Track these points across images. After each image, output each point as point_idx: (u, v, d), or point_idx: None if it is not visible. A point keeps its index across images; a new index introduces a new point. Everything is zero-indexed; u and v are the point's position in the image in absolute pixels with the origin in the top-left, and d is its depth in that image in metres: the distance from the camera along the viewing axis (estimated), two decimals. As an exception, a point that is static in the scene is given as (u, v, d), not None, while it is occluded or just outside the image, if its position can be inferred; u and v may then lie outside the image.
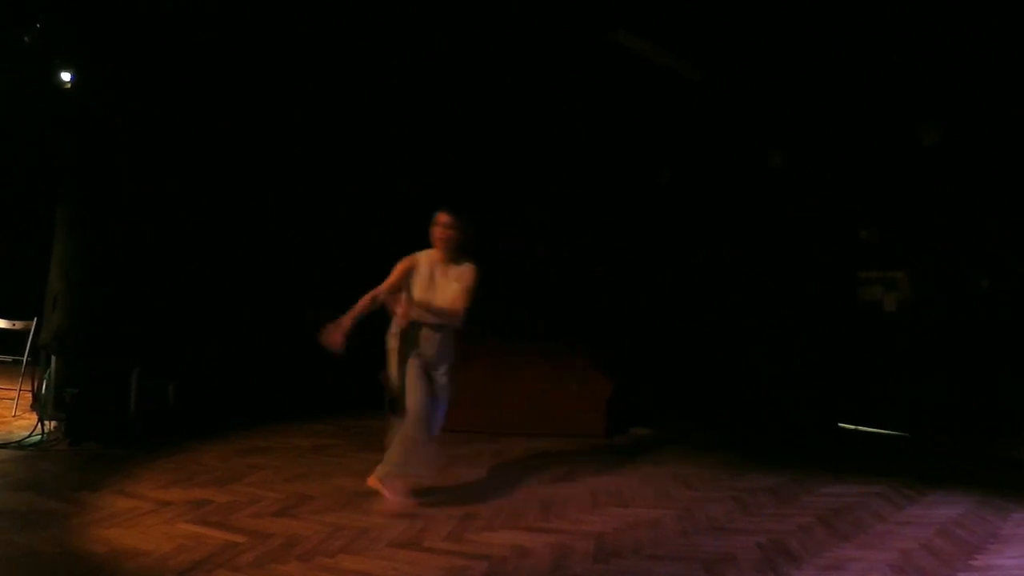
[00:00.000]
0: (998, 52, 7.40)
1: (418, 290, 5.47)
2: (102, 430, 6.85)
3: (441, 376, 5.62)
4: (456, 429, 8.03)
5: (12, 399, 7.89)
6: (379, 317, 5.52)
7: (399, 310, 5.31)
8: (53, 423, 6.89)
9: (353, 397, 8.04)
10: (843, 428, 9.05)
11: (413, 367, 5.47)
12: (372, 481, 5.49)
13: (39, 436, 6.74)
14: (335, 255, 9.14)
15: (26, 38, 7.05)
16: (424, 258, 5.56)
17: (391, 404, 8.17)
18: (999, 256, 8.30)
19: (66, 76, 7.32)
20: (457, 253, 5.59)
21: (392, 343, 5.58)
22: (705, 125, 9.93)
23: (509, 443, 7.67)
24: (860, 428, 8.99)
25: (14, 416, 7.66)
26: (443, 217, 5.53)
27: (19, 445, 6.52)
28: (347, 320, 5.10)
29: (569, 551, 4.47)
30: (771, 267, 9.97)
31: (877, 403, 8.96)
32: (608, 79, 9.00)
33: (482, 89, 9.25)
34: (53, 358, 6.91)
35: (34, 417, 6.99)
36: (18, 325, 8.07)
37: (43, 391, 6.99)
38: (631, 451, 7.52)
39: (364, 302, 5.29)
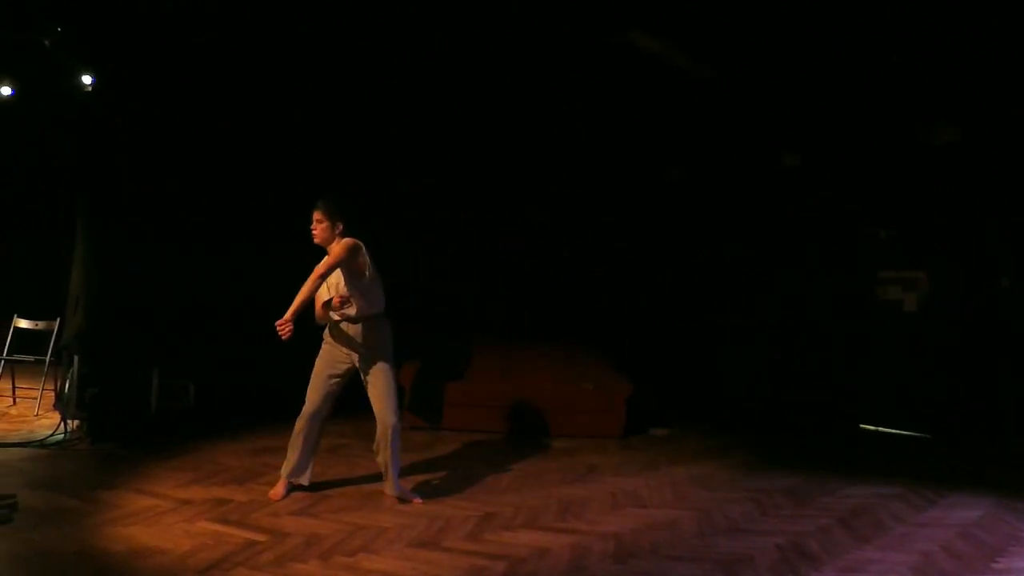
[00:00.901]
0: (1011, 50, 7.33)
1: (324, 293, 5.40)
2: (123, 429, 6.90)
3: (377, 375, 5.42)
4: (473, 430, 8.07)
5: (35, 398, 7.96)
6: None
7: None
8: (75, 422, 6.95)
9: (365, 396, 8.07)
10: (863, 429, 9.00)
11: (318, 368, 5.48)
12: (388, 491, 5.50)
13: (61, 435, 6.80)
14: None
15: (46, 42, 7.10)
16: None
17: (409, 404, 8.24)
18: (1020, 255, 8.24)
19: (87, 79, 7.38)
20: (333, 243, 5.37)
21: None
22: (705, 125, 9.89)
23: (527, 443, 7.68)
24: (879, 429, 8.95)
25: (36, 415, 7.72)
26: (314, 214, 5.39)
27: (41, 444, 6.57)
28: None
29: (587, 551, 4.47)
30: (771, 267, 9.94)
31: (895, 404, 8.91)
32: (607, 79, 8.95)
33: (482, 89, 9.23)
34: (75, 358, 6.96)
35: (56, 416, 7.04)
36: (41, 325, 8.13)
37: (65, 390, 7.04)
38: (648, 452, 7.50)
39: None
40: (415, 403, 8.23)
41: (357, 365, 5.44)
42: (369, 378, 5.42)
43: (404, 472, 5.79)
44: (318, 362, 5.51)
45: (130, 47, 7.34)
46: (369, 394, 5.44)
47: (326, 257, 5.28)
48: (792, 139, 9.57)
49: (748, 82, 8.70)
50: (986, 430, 8.09)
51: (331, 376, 5.46)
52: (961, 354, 8.44)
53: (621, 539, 4.71)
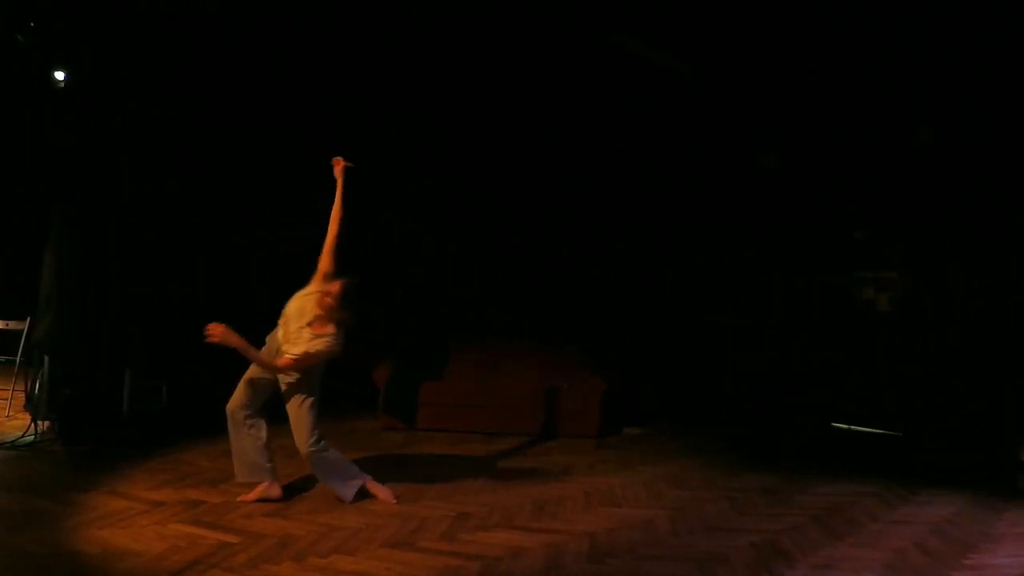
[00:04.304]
0: (992, 53, 7.40)
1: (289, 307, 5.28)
2: (95, 430, 6.84)
3: (292, 405, 5.31)
4: (448, 430, 8.06)
5: (5, 399, 7.87)
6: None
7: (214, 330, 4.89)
8: (46, 423, 6.88)
9: (344, 397, 8.02)
10: (837, 428, 9.05)
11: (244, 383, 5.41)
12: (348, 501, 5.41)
13: (32, 436, 6.73)
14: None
15: (20, 37, 7.03)
16: (312, 297, 5.25)
17: (384, 405, 8.22)
18: (991, 256, 8.30)
19: (60, 75, 7.29)
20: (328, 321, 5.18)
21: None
22: (705, 125, 9.90)
23: (502, 443, 7.67)
24: (854, 428, 8.99)
25: (7, 416, 7.63)
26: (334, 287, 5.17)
27: (12, 445, 6.50)
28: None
29: (563, 551, 4.47)
30: (770, 267, 9.96)
31: (871, 403, 8.95)
32: (607, 79, 8.98)
33: (482, 89, 9.22)
34: (46, 358, 6.88)
35: (27, 417, 6.97)
36: (11, 325, 8.04)
37: (36, 391, 6.96)
38: (624, 451, 7.51)
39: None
40: (390, 403, 8.20)
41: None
42: (286, 404, 5.30)
43: (378, 473, 5.75)
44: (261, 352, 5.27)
45: (125, 46, 7.29)
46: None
47: (313, 344, 5.10)
48: (792, 139, 9.59)
49: (747, 82, 8.75)
50: (969, 429, 8.13)
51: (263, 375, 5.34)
52: (946, 354, 8.48)
53: (596, 539, 4.71)
